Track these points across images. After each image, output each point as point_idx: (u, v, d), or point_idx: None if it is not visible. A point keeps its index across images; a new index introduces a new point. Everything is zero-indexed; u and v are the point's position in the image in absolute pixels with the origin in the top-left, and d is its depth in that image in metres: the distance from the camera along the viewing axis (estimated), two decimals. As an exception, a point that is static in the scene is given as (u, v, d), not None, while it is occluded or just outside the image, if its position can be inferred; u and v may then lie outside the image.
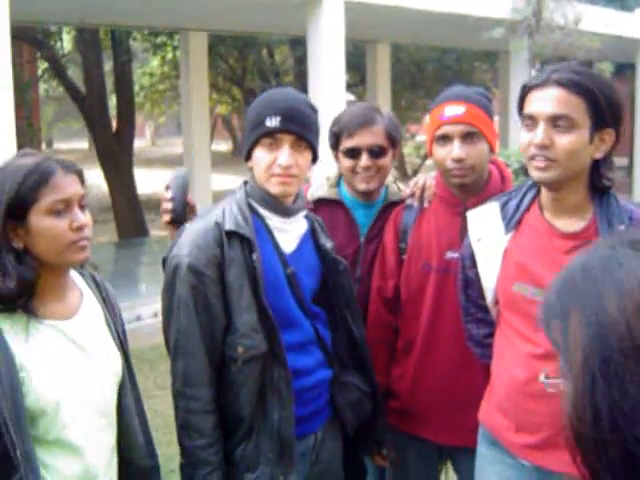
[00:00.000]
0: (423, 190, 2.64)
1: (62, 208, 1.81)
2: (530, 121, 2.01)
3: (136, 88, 20.40)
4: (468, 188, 2.47)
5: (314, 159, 2.33)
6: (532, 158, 2.00)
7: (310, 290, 2.39)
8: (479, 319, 2.34)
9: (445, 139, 2.42)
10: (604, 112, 1.96)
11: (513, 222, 2.16)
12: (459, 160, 2.39)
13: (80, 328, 1.90)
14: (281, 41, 15.26)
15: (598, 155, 2.01)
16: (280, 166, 2.20)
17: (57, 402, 1.79)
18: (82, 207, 1.87)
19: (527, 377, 2.09)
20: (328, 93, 8.46)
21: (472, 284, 2.30)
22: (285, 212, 2.31)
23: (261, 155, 2.23)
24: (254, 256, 2.17)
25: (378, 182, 2.72)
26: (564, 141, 1.95)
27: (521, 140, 2.05)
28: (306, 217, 2.44)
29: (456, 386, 2.52)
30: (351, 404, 2.43)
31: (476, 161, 2.41)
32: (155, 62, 19.67)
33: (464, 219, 2.37)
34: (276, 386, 2.21)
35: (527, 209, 2.16)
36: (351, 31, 8.94)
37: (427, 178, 2.68)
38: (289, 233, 2.34)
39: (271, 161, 2.22)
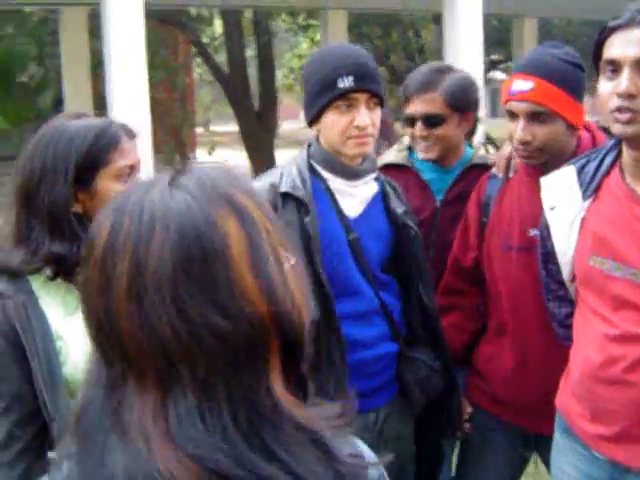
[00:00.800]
0: (509, 160, 2.42)
1: (128, 174, 1.77)
2: (611, 67, 1.74)
3: (285, 70, 20.76)
4: (547, 165, 2.22)
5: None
6: (615, 110, 1.73)
7: (378, 257, 2.27)
8: (560, 297, 2.13)
9: (513, 115, 2.20)
10: None
11: (591, 188, 1.91)
12: (524, 142, 2.18)
13: None
14: (426, 19, 14.95)
15: None
16: (358, 127, 2.11)
17: None
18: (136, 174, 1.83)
19: (602, 360, 1.87)
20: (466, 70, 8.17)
21: (552, 257, 2.08)
22: (350, 174, 2.21)
23: (335, 118, 2.13)
24: (307, 219, 2.10)
25: (439, 151, 2.56)
26: None
27: (600, 90, 1.78)
28: (377, 179, 2.31)
29: (543, 372, 2.33)
30: (419, 381, 2.30)
31: (546, 143, 2.18)
32: (305, 44, 19.80)
33: None
34: (330, 357, 2.13)
35: (607, 173, 1.90)
36: (496, 5, 8.57)
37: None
38: (354, 197, 2.24)
39: (347, 123, 2.12)
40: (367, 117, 2.11)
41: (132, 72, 7.11)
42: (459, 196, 2.56)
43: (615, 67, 1.73)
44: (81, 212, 1.73)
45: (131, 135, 1.81)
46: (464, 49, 8.38)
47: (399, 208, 2.30)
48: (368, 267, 2.22)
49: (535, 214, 2.20)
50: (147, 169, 6.77)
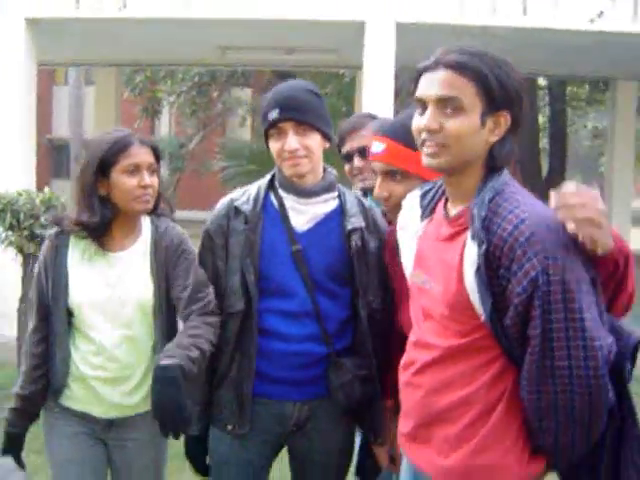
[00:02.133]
0: None
1: (133, 170, 2.48)
2: (420, 105, 1.90)
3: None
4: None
5: (328, 139, 2.51)
6: (422, 144, 1.89)
7: (325, 268, 2.50)
8: None
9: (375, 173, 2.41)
10: (495, 94, 1.82)
11: (428, 210, 2.07)
12: (383, 198, 2.38)
13: (121, 258, 2.56)
14: None
15: (493, 139, 1.86)
16: (287, 151, 2.43)
17: (80, 304, 2.52)
18: (152, 172, 2.52)
19: (403, 363, 2.06)
20: None
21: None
22: (300, 193, 2.50)
23: (272, 145, 2.49)
24: (246, 227, 2.49)
25: None
26: (452, 125, 1.83)
27: (413, 125, 1.94)
28: (339, 197, 2.56)
29: None
30: (342, 385, 2.48)
31: (402, 199, 2.27)
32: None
33: None
34: (245, 344, 2.48)
35: (440, 197, 2.05)
36: None
37: None
38: (304, 213, 2.50)
39: (280, 148, 2.45)
40: (295, 142, 2.41)
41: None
42: None
43: (422, 105, 1.88)
44: (105, 195, 2.50)
45: (143, 143, 2.51)
46: None
47: (352, 225, 2.50)
48: (309, 274, 2.48)
49: None
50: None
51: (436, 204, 2.06)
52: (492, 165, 1.88)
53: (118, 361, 2.54)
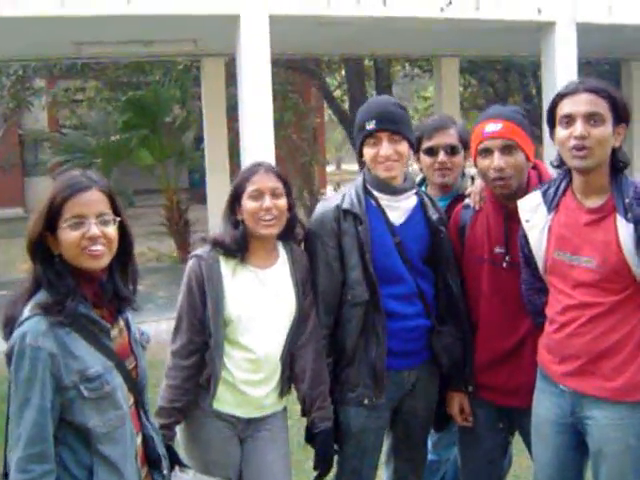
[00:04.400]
0: (481, 194, 3.04)
1: (257, 195, 2.78)
2: (566, 119, 2.52)
3: (411, 111, 21.59)
4: (510, 197, 2.89)
5: (412, 146, 2.95)
6: (572, 148, 2.50)
7: (418, 254, 2.95)
8: (540, 289, 2.79)
9: (487, 152, 2.86)
10: (620, 111, 2.50)
11: (553, 204, 2.67)
12: (500, 169, 2.83)
13: (269, 275, 2.83)
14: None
15: (617, 145, 2.54)
16: (382, 157, 2.83)
17: (239, 316, 2.75)
18: (276, 196, 2.79)
19: (564, 322, 2.63)
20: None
21: (530, 259, 2.77)
22: (393, 192, 2.92)
23: (367, 151, 2.89)
24: (360, 228, 2.85)
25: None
26: (597, 132, 2.47)
27: (559, 136, 2.55)
28: (417, 194, 3.00)
29: (509, 355, 3.00)
30: (445, 348, 2.97)
31: (514, 169, 2.82)
32: (431, 87, 20.71)
33: (506, 221, 2.90)
34: (374, 327, 2.87)
35: (563, 193, 2.66)
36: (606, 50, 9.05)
37: (483, 183, 3.04)
38: (398, 209, 2.93)
39: (375, 154, 2.85)
40: (389, 149, 2.82)
41: (260, 114, 8.00)
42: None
43: (570, 119, 2.50)
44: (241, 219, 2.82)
45: (269, 171, 2.83)
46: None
47: (434, 216, 2.98)
48: (410, 261, 2.92)
49: (500, 237, 2.95)
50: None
51: (559, 201, 2.66)
52: (616, 166, 2.54)
53: (269, 363, 2.82)
